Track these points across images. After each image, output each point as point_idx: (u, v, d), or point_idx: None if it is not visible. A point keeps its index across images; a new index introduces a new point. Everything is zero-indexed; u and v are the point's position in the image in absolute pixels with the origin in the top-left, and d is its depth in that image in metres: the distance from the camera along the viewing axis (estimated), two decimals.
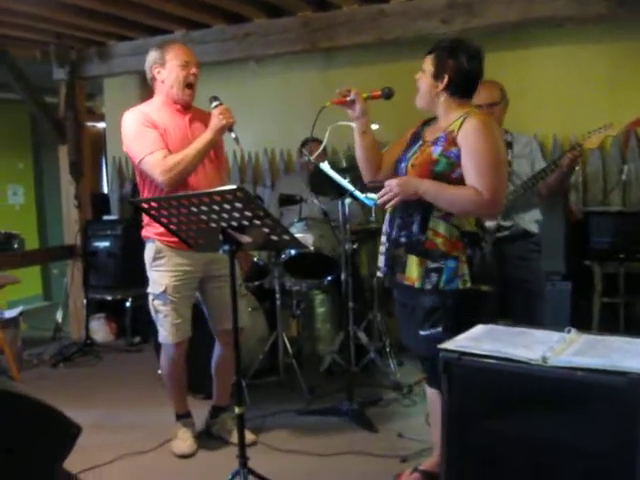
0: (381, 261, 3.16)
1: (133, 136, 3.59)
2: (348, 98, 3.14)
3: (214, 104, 3.56)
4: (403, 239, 3.00)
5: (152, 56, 3.68)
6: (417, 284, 2.95)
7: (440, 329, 2.90)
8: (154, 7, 5.07)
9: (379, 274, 3.20)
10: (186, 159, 3.50)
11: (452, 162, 2.89)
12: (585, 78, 5.22)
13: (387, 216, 3.15)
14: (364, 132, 3.19)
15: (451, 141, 2.90)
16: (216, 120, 3.52)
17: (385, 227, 3.15)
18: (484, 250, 2.98)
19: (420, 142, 3.07)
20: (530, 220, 4.09)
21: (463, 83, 2.97)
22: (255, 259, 4.82)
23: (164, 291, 3.66)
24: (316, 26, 5.16)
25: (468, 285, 2.90)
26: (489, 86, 3.86)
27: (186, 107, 3.73)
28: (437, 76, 2.94)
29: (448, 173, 2.89)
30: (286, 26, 5.28)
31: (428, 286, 2.92)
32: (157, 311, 3.73)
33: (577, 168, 4.26)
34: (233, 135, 3.55)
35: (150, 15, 5.27)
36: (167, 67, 3.63)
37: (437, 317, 2.93)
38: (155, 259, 3.69)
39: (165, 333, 3.74)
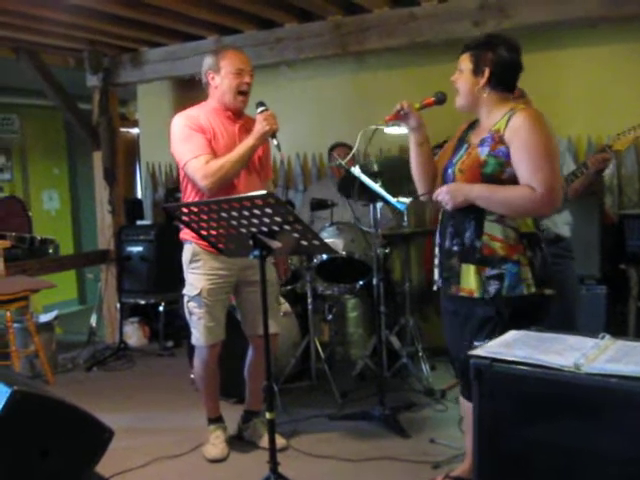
0: (436, 273, 3.05)
1: (180, 139, 3.63)
2: (401, 112, 3.02)
3: (260, 109, 3.56)
4: (456, 248, 2.89)
5: (207, 62, 3.71)
6: (477, 294, 2.82)
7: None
8: (186, 13, 5.10)
9: (435, 287, 3.08)
10: (227, 164, 3.52)
11: (501, 161, 2.77)
12: (619, 78, 5.15)
13: (438, 226, 3.05)
14: (421, 144, 3.08)
15: (498, 140, 2.79)
16: (259, 126, 3.52)
17: (437, 237, 3.05)
18: (544, 251, 2.88)
19: (465, 145, 2.97)
20: (562, 223, 4.02)
21: (504, 75, 2.86)
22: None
23: (199, 294, 3.68)
24: (347, 30, 5.16)
25: (533, 290, 2.79)
26: None
27: (238, 114, 3.76)
28: (477, 71, 2.85)
29: (498, 174, 2.79)
30: (317, 30, 5.29)
31: (489, 295, 2.79)
32: (191, 313, 3.75)
33: (608, 171, 4.18)
34: (275, 142, 3.55)
35: (182, 21, 5.31)
36: (221, 74, 3.65)
37: (491, 327, 2.78)
38: (192, 261, 3.72)
39: (198, 335, 3.76)
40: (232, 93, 3.65)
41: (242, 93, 3.68)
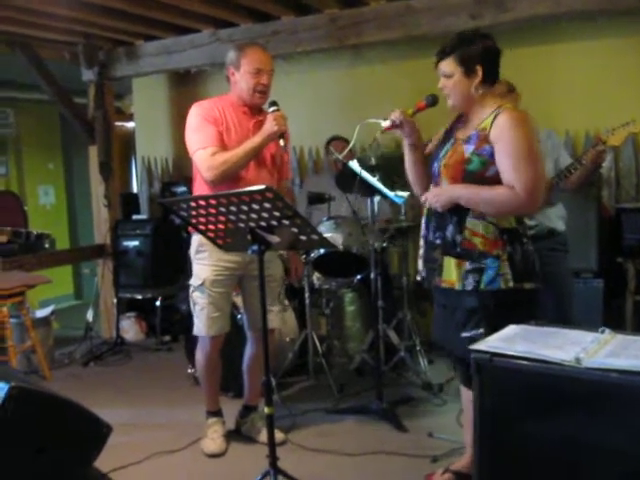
0: (420, 264, 3.12)
1: (193, 129, 3.68)
2: (396, 121, 3.02)
3: (271, 109, 3.61)
4: (438, 241, 2.95)
5: (229, 57, 3.75)
6: (457, 286, 2.89)
7: (481, 331, 2.81)
8: (182, 7, 5.08)
9: (419, 277, 3.16)
10: (233, 159, 3.56)
11: (485, 160, 2.83)
12: (617, 72, 5.13)
13: (423, 218, 3.10)
14: (416, 147, 3.12)
15: (483, 139, 2.84)
16: (268, 125, 3.56)
17: (422, 230, 3.10)
18: (525, 246, 2.93)
19: (452, 140, 3.01)
20: (556, 217, 4.02)
21: (494, 66, 2.91)
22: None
23: (202, 284, 3.72)
24: (343, 23, 5.15)
25: (510, 285, 2.84)
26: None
27: (256, 110, 3.80)
28: (469, 72, 2.85)
29: (481, 172, 2.84)
30: (314, 23, 5.28)
31: (468, 287, 2.86)
32: (195, 303, 3.79)
33: (604, 165, 4.18)
34: (282, 143, 3.59)
35: (178, 15, 5.28)
36: (240, 71, 3.69)
37: (478, 318, 2.87)
38: (198, 252, 3.76)
39: (200, 325, 3.78)
40: (249, 91, 3.69)
41: (260, 92, 3.71)
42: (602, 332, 2.27)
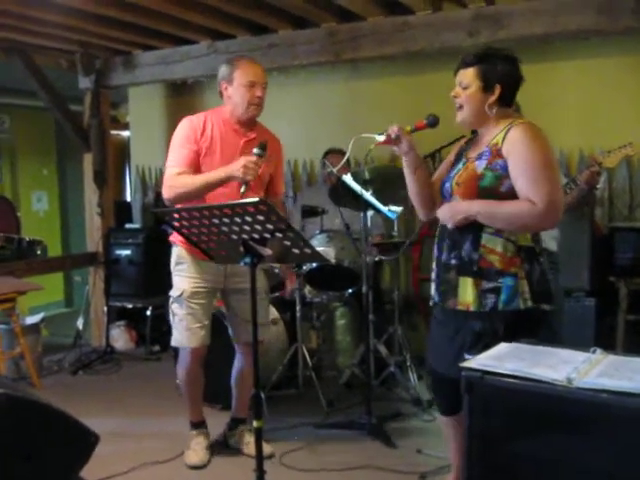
0: (433, 289, 2.98)
1: (173, 144, 3.74)
2: (392, 135, 2.92)
3: (255, 151, 3.46)
4: (453, 261, 2.83)
5: (222, 71, 3.73)
6: (472, 307, 2.77)
7: None
8: (179, 17, 5.09)
9: (431, 302, 3.02)
10: (190, 186, 3.58)
11: (498, 175, 2.73)
12: (612, 91, 5.15)
13: (436, 240, 2.98)
14: (416, 169, 2.99)
15: (495, 153, 2.75)
16: (234, 167, 3.44)
17: (435, 251, 2.98)
18: (543, 265, 2.82)
19: (463, 160, 2.91)
20: (549, 237, 4.02)
21: (513, 90, 2.84)
22: (276, 270, 4.81)
23: (180, 295, 3.73)
24: (341, 37, 5.16)
25: (529, 304, 2.74)
26: None
27: (249, 125, 3.78)
28: (487, 88, 2.77)
29: (496, 187, 2.74)
30: (311, 37, 5.29)
31: (485, 309, 2.74)
32: (174, 314, 3.78)
33: (599, 186, 4.18)
34: (242, 189, 3.41)
35: (175, 25, 5.30)
36: (234, 85, 3.67)
37: (485, 343, 2.64)
38: (177, 264, 3.77)
39: (179, 337, 3.78)
40: (243, 105, 3.67)
41: (255, 104, 3.69)
42: (594, 352, 2.25)
